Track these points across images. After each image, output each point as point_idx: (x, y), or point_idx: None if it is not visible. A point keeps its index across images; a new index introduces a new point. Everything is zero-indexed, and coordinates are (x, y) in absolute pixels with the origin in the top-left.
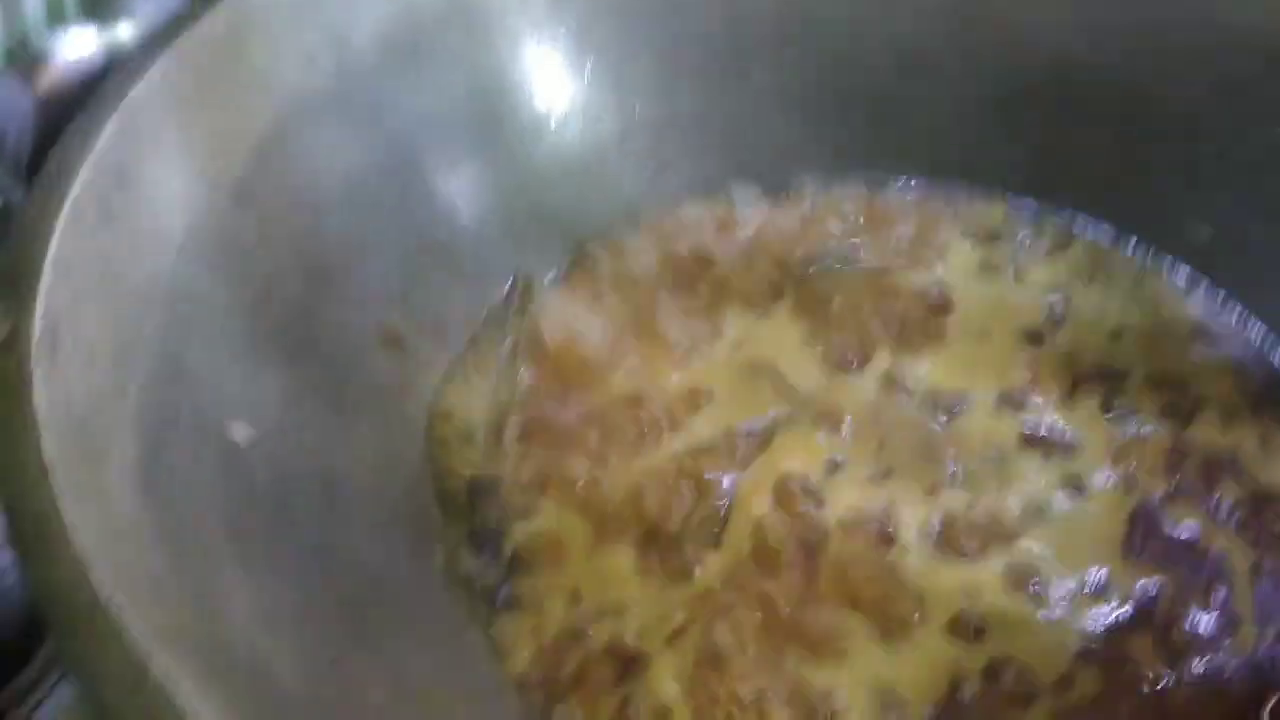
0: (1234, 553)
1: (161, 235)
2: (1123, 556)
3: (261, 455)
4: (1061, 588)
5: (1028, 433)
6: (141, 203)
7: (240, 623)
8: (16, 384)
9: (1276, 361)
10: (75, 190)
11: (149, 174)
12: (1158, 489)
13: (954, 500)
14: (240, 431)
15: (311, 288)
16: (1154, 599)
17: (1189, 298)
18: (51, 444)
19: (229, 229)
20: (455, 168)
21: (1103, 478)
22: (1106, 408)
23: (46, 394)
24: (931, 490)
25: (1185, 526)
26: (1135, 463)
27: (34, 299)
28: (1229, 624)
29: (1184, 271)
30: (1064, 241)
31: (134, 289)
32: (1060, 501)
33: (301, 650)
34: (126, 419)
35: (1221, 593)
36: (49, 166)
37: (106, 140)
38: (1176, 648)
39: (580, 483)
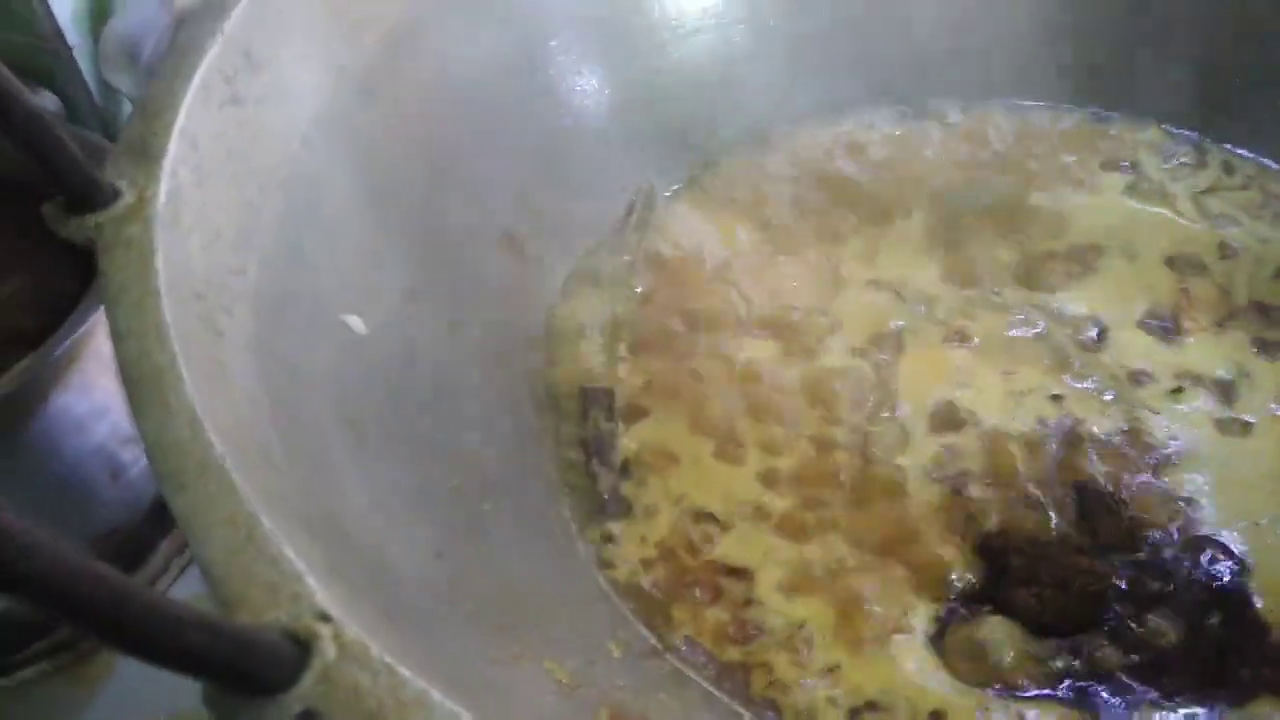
0: None
1: (288, 121)
2: None
3: (378, 346)
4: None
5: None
6: (269, 87)
7: (350, 501)
8: (142, 249)
9: None
10: (204, 67)
11: (278, 58)
12: None
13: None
14: (357, 322)
15: (434, 186)
16: None
17: None
18: (172, 308)
19: (355, 120)
20: (582, 72)
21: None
22: (1267, 343)
23: (169, 261)
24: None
25: None
26: None
27: (160, 169)
28: None
29: None
30: (1227, 172)
31: (258, 171)
32: (1215, 438)
33: (410, 536)
34: (246, 296)
35: None
36: (178, 39)
37: (236, 20)
38: None
39: (695, 394)
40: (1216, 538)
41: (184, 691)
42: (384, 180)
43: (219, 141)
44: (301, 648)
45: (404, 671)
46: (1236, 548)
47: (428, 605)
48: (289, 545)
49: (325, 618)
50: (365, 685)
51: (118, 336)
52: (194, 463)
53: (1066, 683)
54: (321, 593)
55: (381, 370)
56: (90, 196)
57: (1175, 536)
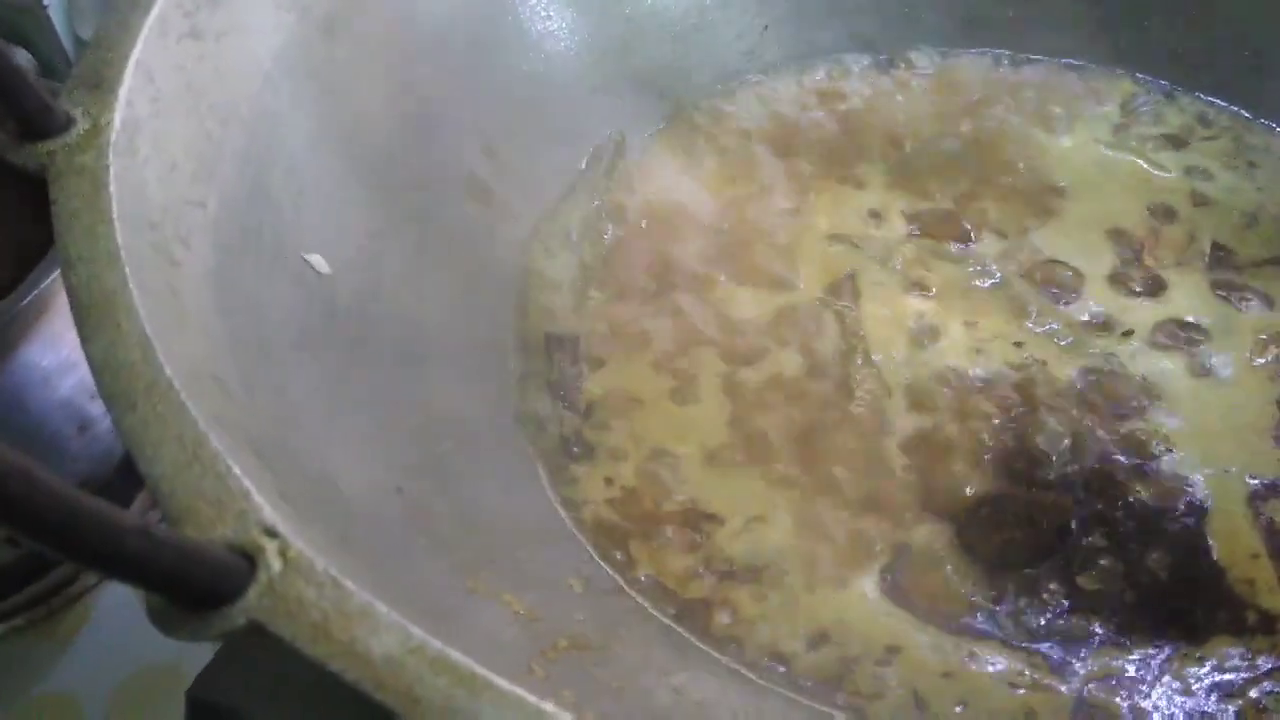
0: None
1: (248, 57)
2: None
3: (342, 286)
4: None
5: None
6: (229, 22)
7: (307, 433)
8: (94, 176)
9: None
10: (161, 1)
11: None
12: None
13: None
14: (320, 261)
15: (400, 129)
16: None
17: None
18: (125, 235)
19: (318, 60)
20: (553, 15)
21: (1236, 362)
22: (1237, 289)
23: (123, 189)
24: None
25: None
26: (1274, 348)
27: (114, 98)
28: None
29: None
30: (1201, 122)
31: (218, 106)
32: (1185, 383)
33: (368, 470)
34: (205, 229)
35: None
36: None
37: None
38: None
39: (661, 339)
40: (1180, 483)
41: (156, 645)
42: (348, 120)
43: (177, 75)
44: (247, 561)
45: (349, 584)
46: (1199, 493)
47: (383, 537)
48: (238, 465)
49: (271, 533)
50: (310, 598)
51: (67, 263)
52: (143, 383)
53: (1020, 619)
54: (268, 510)
55: (345, 308)
56: (44, 125)
57: (1137, 480)
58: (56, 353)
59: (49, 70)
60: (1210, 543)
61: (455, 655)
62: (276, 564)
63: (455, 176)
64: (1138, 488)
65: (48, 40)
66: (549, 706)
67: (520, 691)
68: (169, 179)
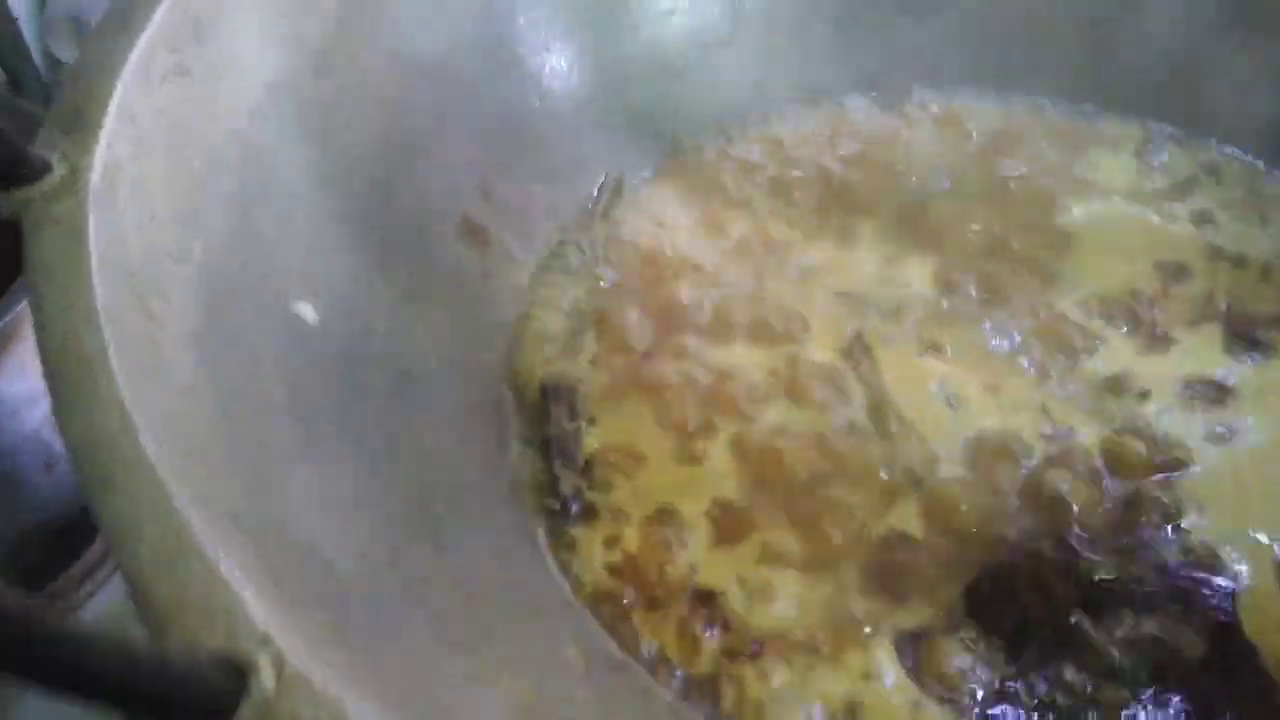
0: None
1: (236, 95)
2: None
3: (330, 335)
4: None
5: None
6: (217, 59)
7: (296, 502)
8: (72, 228)
9: None
10: (146, 36)
11: (226, 29)
12: None
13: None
14: (308, 310)
15: (392, 168)
16: None
17: None
18: (105, 291)
19: (308, 96)
20: (552, 51)
21: (1264, 423)
22: (1259, 345)
23: (104, 241)
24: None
25: None
26: None
27: (94, 142)
28: None
29: None
30: (1210, 172)
31: (204, 148)
32: (1213, 448)
33: (360, 538)
34: (189, 281)
35: None
36: (117, 9)
37: None
38: None
39: (663, 392)
40: (1211, 551)
41: None
42: (340, 159)
43: (161, 115)
44: (238, 677)
45: (350, 706)
46: (1230, 563)
47: (379, 616)
48: (225, 556)
49: (265, 641)
50: (307, 718)
51: (40, 324)
52: (123, 462)
53: (1042, 699)
54: (260, 611)
55: (334, 361)
56: (18, 170)
57: (1158, 547)
58: (25, 383)
59: (19, 86)
60: (1241, 618)
61: None
62: (271, 682)
63: (450, 215)
64: (1166, 557)
65: (18, 56)
66: None
67: None
68: (151, 228)
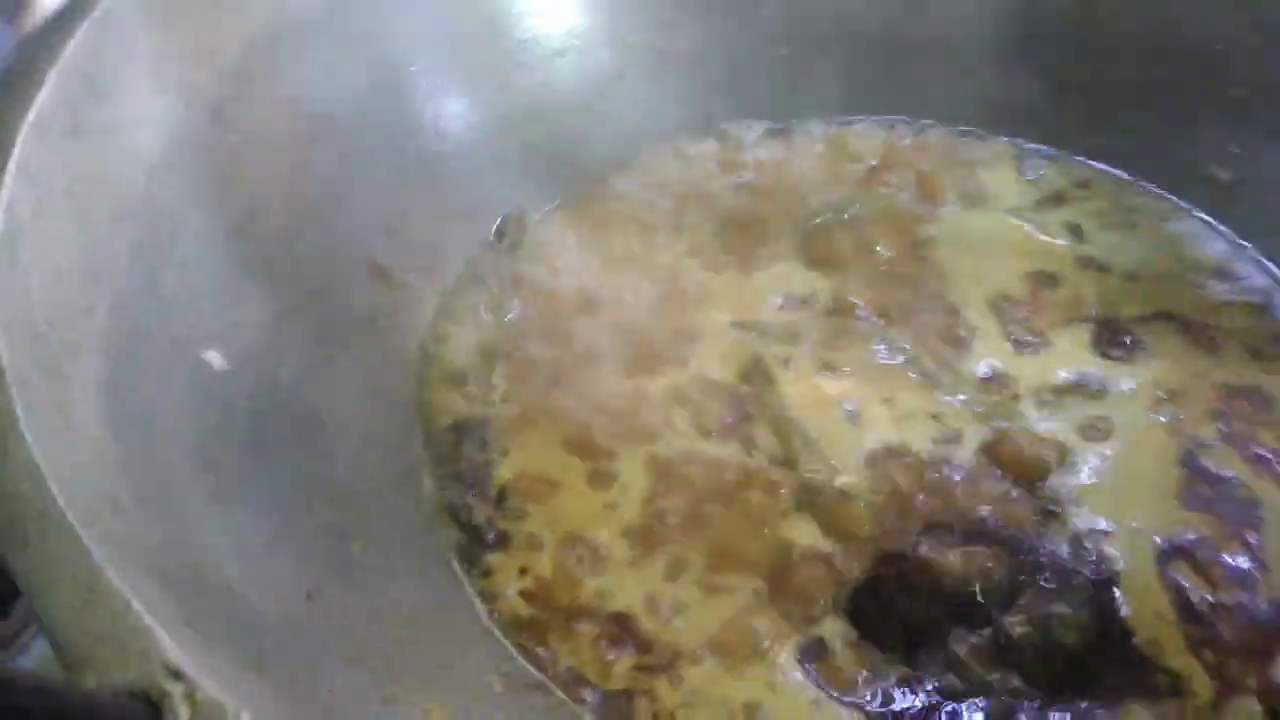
0: (1270, 499)
1: (135, 151)
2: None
3: (240, 384)
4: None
5: (1058, 377)
6: (114, 115)
7: (211, 548)
8: None
9: None
10: (42, 96)
11: (121, 85)
12: (1197, 431)
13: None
14: (216, 358)
15: (296, 215)
16: (1194, 541)
17: (1208, 241)
18: (10, 353)
19: (208, 149)
20: (448, 96)
21: (1135, 420)
22: (1126, 346)
23: (9, 302)
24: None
25: (1224, 470)
26: (1172, 405)
27: None
28: (1260, 567)
29: (1203, 215)
30: (1081, 185)
31: (105, 205)
32: (1089, 444)
33: (277, 579)
34: (94, 337)
35: (1254, 539)
36: (12, 68)
37: (76, 47)
38: (1213, 579)
39: (572, 422)
40: (1090, 542)
41: None
42: (243, 209)
43: (61, 173)
44: (152, 709)
45: None
46: (1109, 554)
47: (298, 650)
48: (138, 599)
49: (177, 675)
50: None
51: None
52: (34, 515)
53: (937, 689)
54: (173, 647)
55: (243, 407)
56: None
57: (1042, 540)
58: None
59: None
60: (1119, 605)
61: None
62: (184, 712)
63: (356, 259)
64: (1048, 549)
65: None
66: None
67: None
68: (55, 286)
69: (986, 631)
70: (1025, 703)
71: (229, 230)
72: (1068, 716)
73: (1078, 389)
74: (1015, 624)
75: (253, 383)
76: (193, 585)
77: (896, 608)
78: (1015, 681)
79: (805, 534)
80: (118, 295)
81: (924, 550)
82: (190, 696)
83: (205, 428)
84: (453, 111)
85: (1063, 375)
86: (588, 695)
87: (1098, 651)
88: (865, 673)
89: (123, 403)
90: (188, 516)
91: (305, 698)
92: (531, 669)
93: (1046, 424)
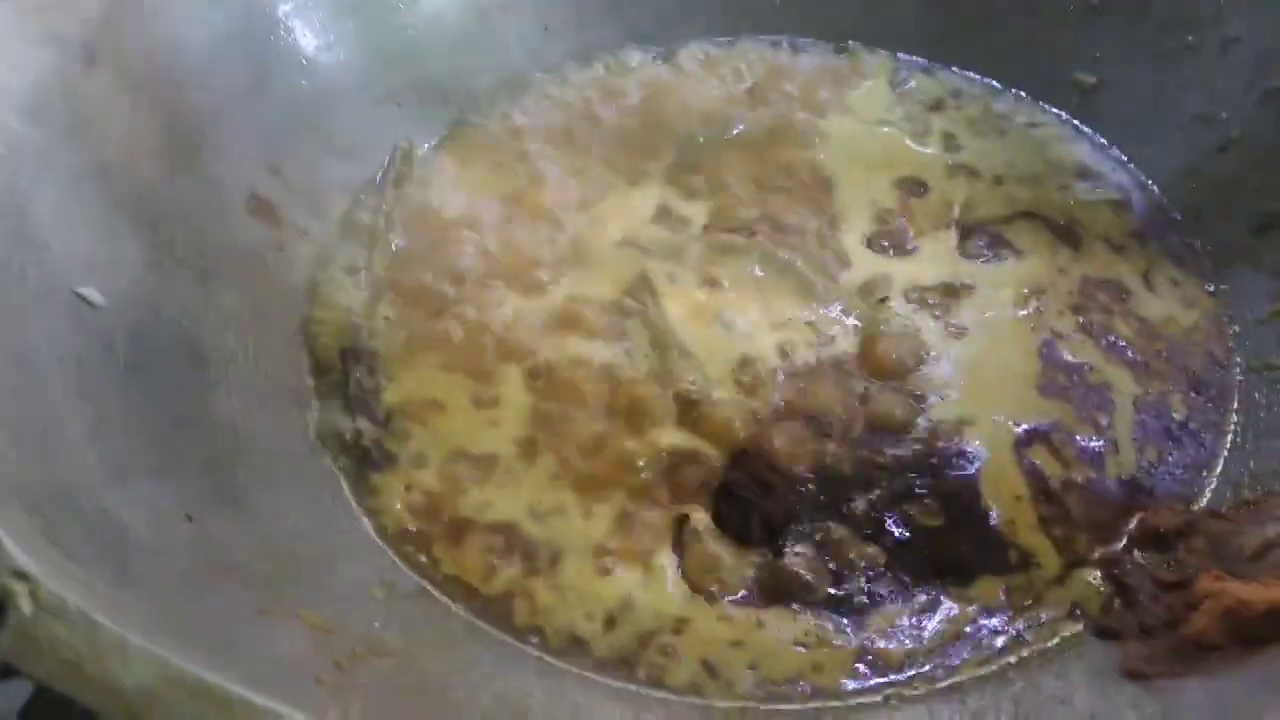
0: (1120, 384)
1: (4, 94)
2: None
3: (120, 319)
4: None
5: (927, 278)
6: None
7: (85, 473)
8: None
9: (1153, 200)
10: None
11: None
12: (1057, 324)
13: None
14: (95, 295)
15: (175, 155)
16: (1050, 426)
17: (1073, 143)
18: None
19: (79, 91)
20: (328, 31)
21: (1000, 315)
22: (993, 246)
23: None
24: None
25: (1082, 358)
26: (1034, 300)
27: None
28: (1110, 447)
29: (1068, 119)
30: (953, 95)
31: None
32: (955, 341)
33: (155, 505)
34: None
35: (1105, 421)
36: None
37: None
38: (1066, 460)
39: (456, 345)
40: (953, 431)
41: None
42: (116, 151)
43: None
44: None
45: (103, 620)
46: (971, 442)
47: (170, 569)
48: None
49: (21, 576)
50: (61, 636)
51: None
52: None
53: (805, 579)
54: (19, 553)
55: (124, 342)
56: None
57: (907, 432)
58: None
59: None
60: (980, 488)
61: (209, 678)
62: (27, 606)
63: (237, 197)
64: (914, 440)
65: None
66: (300, 716)
67: (274, 705)
68: None
69: (853, 519)
70: (888, 577)
71: (103, 170)
72: (925, 598)
73: (946, 289)
74: (877, 511)
75: (134, 318)
76: (59, 507)
77: (760, 505)
78: (878, 555)
79: (679, 440)
80: None
81: (787, 446)
82: (34, 593)
83: (84, 361)
84: (335, 45)
85: (932, 277)
86: (468, 598)
87: (958, 535)
88: (730, 563)
89: (2, 335)
90: (62, 446)
91: (174, 608)
92: (414, 576)
93: (915, 323)
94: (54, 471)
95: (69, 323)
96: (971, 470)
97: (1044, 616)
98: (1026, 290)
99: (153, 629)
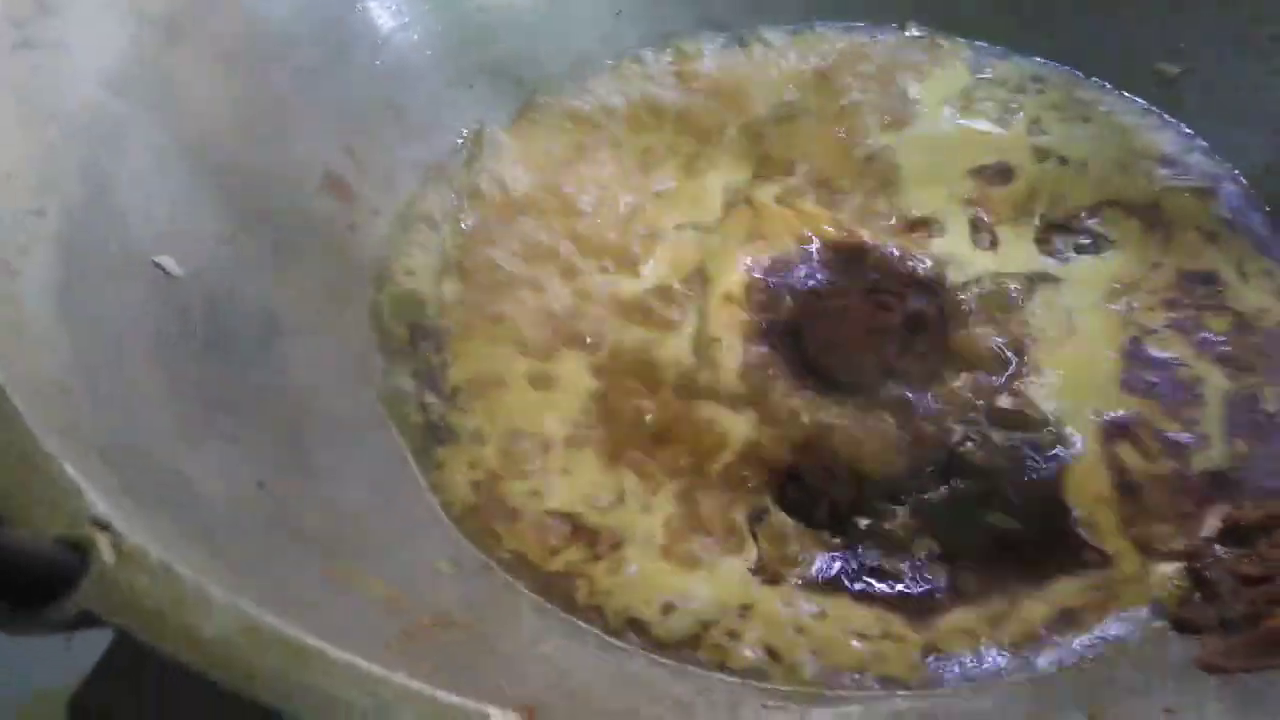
0: (1211, 378)
1: (88, 66)
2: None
3: (196, 289)
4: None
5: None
6: (63, 31)
7: (160, 436)
8: None
9: (1240, 190)
10: None
11: (72, 2)
12: (1145, 320)
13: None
14: (172, 265)
15: (251, 132)
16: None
17: (1157, 132)
18: None
19: (163, 67)
20: (403, 12)
21: (1092, 309)
22: (1080, 236)
23: None
24: None
25: (1171, 353)
26: (1126, 296)
27: None
28: (1197, 440)
29: (1152, 108)
30: (1035, 80)
31: (57, 116)
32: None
33: (227, 469)
34: (45, 239)
35: (1193, 415)
36: None
37: None
38: (1150, 453)
39: (522, 325)
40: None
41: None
42: (196, 126)
43: (10, 88)
44: (80, 555)
45: (183, 571)
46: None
47: (244, 534)
48: (73, 466)
49: (104, 526)
50: (143, 586)
51: None
52: None
53: (872, 570)
54: (102, 502)
55: (200, 311)
56: None
57: (991, 425)
58: None
59: None
60: (1063, 487)
61: (287, 631)
62: (109, 555)
63: (312, 175)
64: (997, 434)
65: None
66: (377, 670)
67: (352, 659)
68: (6, 188)
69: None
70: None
71: (182, 145)
72: (1002, 589)
73: (1034, 280)
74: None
75: (210, 288)
76: (139, 469)
77: (828, 492)
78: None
79: (740, 424)
80: (69, 201)
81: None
82: (116, 543)
83: (161, 329)
84: (410, 26)
85: (1018, 267)
86: (531, 577)
87: (1032, 533)
88: (798, 552)
89: (76, 302)
90: (142, 410)
91: (244, 566)
92: (478, 552)
93: (1000, 316)
94: (131, 433)
95: (147, 291)
96: (1053, 469)
97: (1123, 614)
98: (1118, 285)
99: (226, 585)
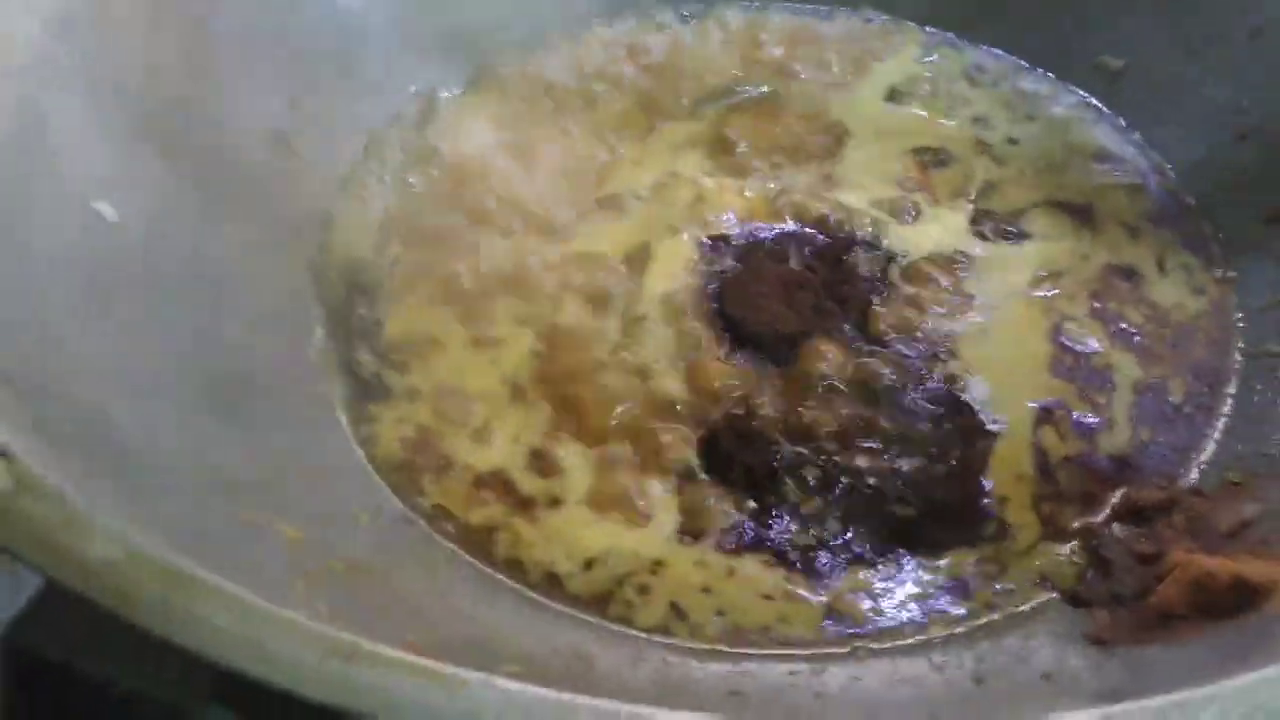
0: (1124, 367)
1: (28, 7)
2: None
3: (132, 235)
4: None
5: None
6: None
7: (87, 373)
8: None
9: (1169, 185)
10: None
11: None
12: (1068, 308)
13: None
14: (108, 210)
15: (196, 80)
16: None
17: (1094, 125)
18: None
19: (105, 11)
20: None
21: (1012, 294)
22: (1009, 226)
23: None
24: None
25: (1090, 340)
26: (1049, 283)
27: None
28: (1106, 425)
29: (1091, 101)
30: (979, 70)
31: None
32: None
33: (150, 409)
34: None
35: (1104, 400)
36: None
37: None
38: (1064, 435)
39: (462, 286)
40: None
41: None
42: (137, 73)
43: None
44: None
45: (74, 497)
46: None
47: (161, 469)
48: None
49: (2, 454)
50: (36, 512)
51: None
52: None
53: (781, 535)
54: (3, 433)
55: (138, 259)
56: None
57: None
58: None
59: None
60: (987, 464)
61: (175, 560)
62: (5, 482)
63: (257, 129)
64: (924, 402)
65: None
66: (257, 600)
67: (234, 589)
68: None
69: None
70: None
71: (123, 90)
72: (902, 557)
73: (964, 259)
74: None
75: (145, 236)
76: (55, 403)
77: (747, 454)
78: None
79: (668, 387)
80: (4, 137)
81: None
82: (12, 468)
83: (93, 272)
84: None
85: (948, 246)
86: (450, 528)
87: (942, 505)
88: (715, 510)
89: (7, 238)
90: (63, 346)
91: (158, 506)
92: (400, 504)
93: (926, 292)
94: (49, 369)
95: (81, 234)
96: (976, 445)
97: (1012, 586)
98: (1044, 273)
99: (133, 520)
